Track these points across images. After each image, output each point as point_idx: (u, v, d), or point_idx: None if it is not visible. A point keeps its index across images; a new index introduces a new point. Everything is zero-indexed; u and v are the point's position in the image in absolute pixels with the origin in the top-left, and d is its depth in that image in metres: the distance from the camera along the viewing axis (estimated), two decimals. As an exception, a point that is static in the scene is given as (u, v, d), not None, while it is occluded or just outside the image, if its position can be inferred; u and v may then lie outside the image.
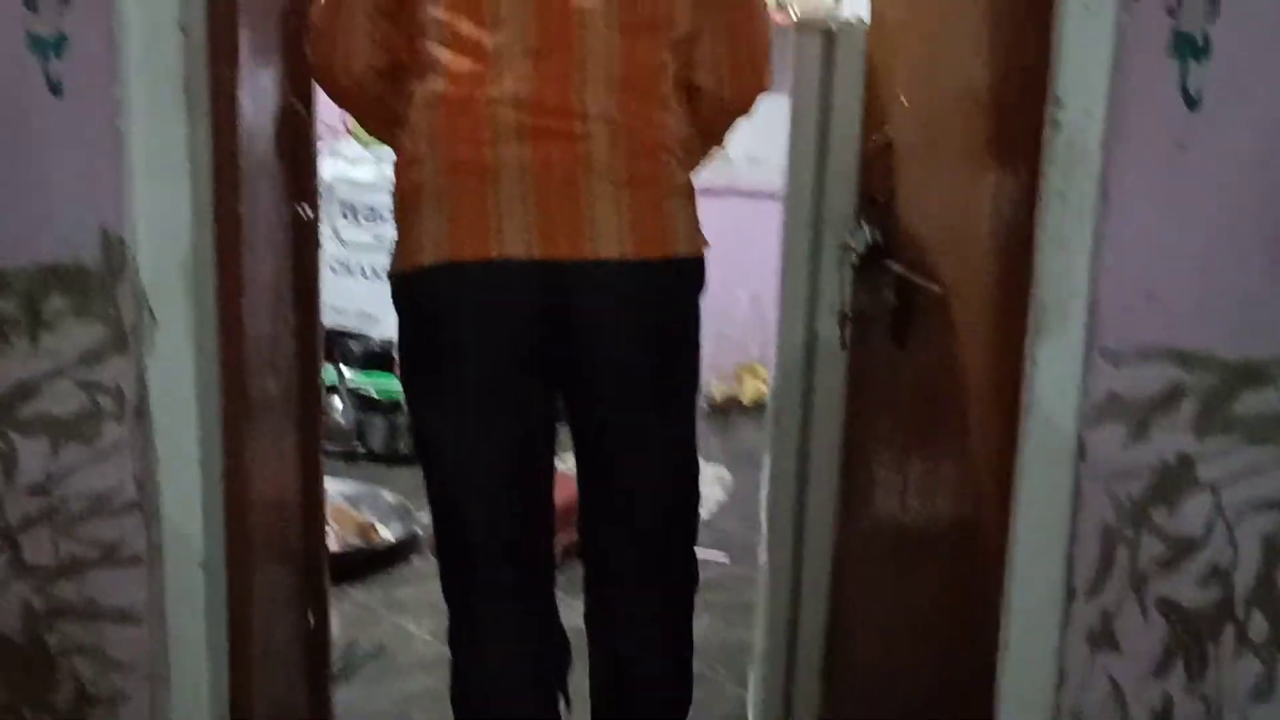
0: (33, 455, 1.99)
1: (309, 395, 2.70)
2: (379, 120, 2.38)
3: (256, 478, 2.23)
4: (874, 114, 2.37)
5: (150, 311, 1.95)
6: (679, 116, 2.29)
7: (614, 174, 2.20)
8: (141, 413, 1.97)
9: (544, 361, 2.26)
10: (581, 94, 2.20)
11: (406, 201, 2.24)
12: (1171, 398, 1.83)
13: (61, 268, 1.94)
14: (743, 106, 2.38)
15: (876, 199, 2.26)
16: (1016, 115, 1.87)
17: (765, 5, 2.38)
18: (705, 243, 2.32)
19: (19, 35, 1.86)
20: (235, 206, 2.06)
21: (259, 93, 2.26)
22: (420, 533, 3.75)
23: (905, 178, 2.23)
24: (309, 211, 2.60)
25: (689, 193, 2.30)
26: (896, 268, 2.18)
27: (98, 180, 1.92)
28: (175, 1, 1.90)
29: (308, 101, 2.56)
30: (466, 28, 2.19)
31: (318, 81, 2.43)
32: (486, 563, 2.33)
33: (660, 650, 2.44)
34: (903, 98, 2.23)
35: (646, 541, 2.39)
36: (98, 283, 1.94)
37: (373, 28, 2.26)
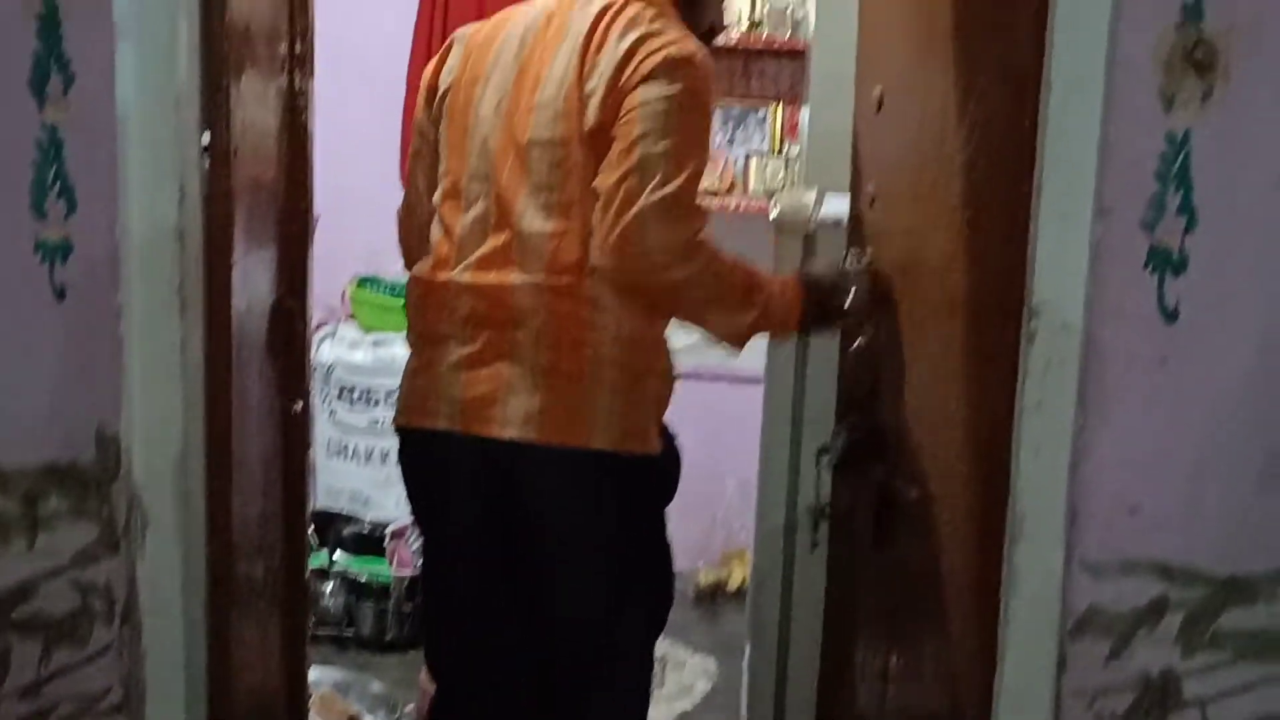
0: (26, 657, 1.96)
1: (295, 583, 2.72)
2: None
3: (241, 670, 2.24)
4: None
5: (143, 515, 1.98)
6: (614, 312, 2.27)
7: (535, 364, 2.28)
8: (130, 614, 1.99)
9: (490, 527, 2.40)
10: (514, 287, 2.30)
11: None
12: (1155, 612, 1.82)
13: (60, 469, 1.94)
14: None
15: (857, 399, 2.28)
16: (994, 323, 1.89)
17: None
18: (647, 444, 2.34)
19: (28, 241, 1.88)
20: (226, 405, 2.11)
21: (252, 291, 2.33)
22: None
23: (886, 380, 2.24)
24: (300, 405, 2.66)
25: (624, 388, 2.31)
26: (878, 470, 2.19)
27: (96, 382, 1.94)
28: (174, 210, 1.97)
29: (302, 295, 2.62)
30: (449, 210, 2.38)
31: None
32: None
33: None
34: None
35: None
36: (93, 482, 1.95)
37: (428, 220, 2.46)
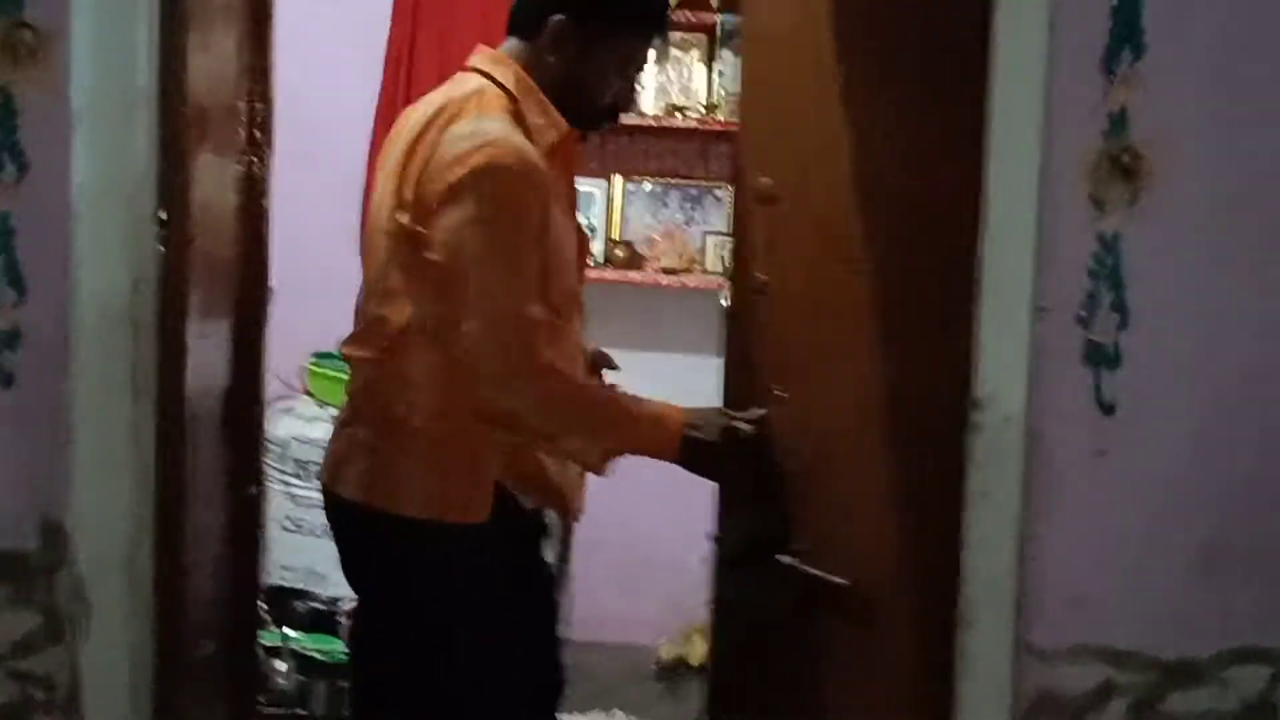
0: None
1: (246, 661, 2.73)
2: None
3: None
4: (739, 400, 2.34)
5: (88, 602, 1.95)
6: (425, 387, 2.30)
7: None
8: (72, 704, 1.96)
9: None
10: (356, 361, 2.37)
11: None
12: (1103, 696, 1.86)
13: (3, 557, 1.94)
14: None
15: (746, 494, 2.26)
16: (929, 418, 1.93)
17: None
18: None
19: None
20: (179, 491, 2.09)
21: (207, 371, 2.32)
22: None
23: (801, 472, 2.20)
24: (255, 488, 2.67)
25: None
26: (787, 561, 2.16)
27: (42, 470, 1.95)
28: (128, 295, 1.96)
29: (256, 377, 2.63)
30: None
31: None
32: None
33: None
34: (780, 390, 2.21)
35: None
36: (37, 571, 1.94)
37: None
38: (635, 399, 2.24)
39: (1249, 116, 1.80)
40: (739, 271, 2.40)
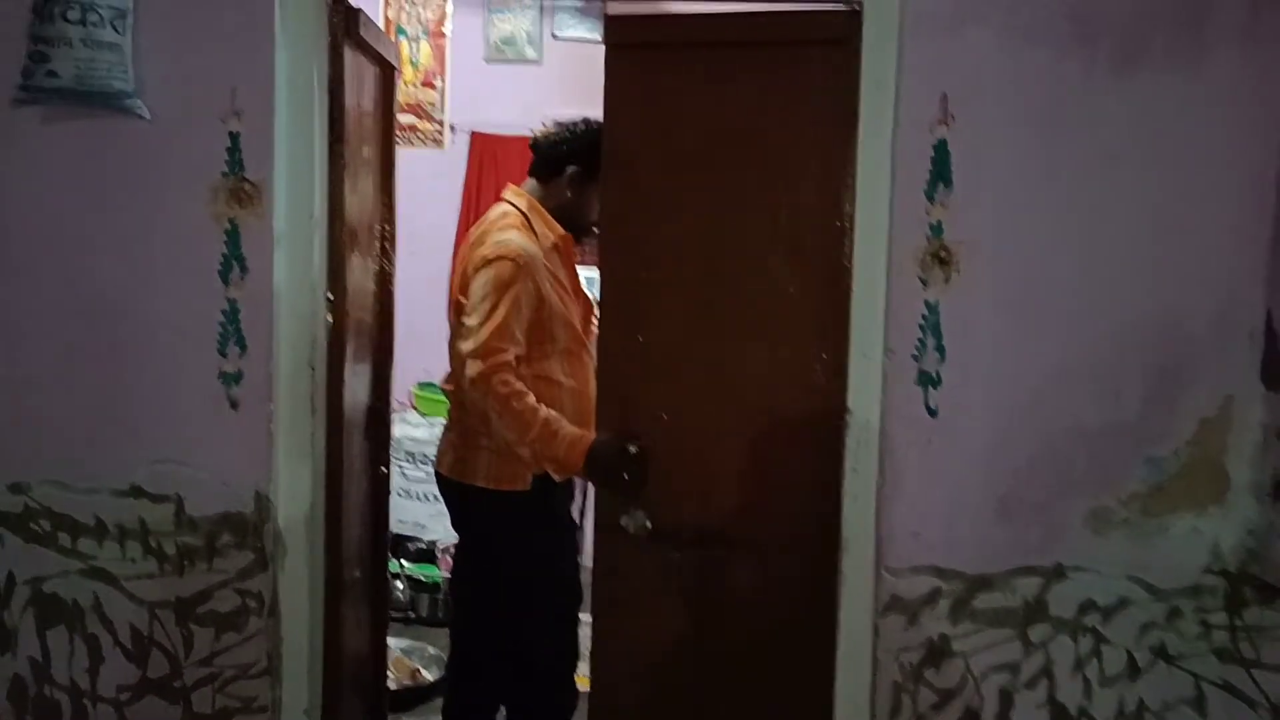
0: (204, 639, 2.07)
1: (379, 581, 2.76)
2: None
3: (346, 645, 2.28)
4: (611, 411, 2.20)
5: (283, 544, 2.06)
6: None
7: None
8: (274, 610, 2.06)
9: None
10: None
11: None
12: (933, 597, 1.97)
13: (231, 516, 2.05)
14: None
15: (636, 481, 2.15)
16: (823, 422, 2.01)
17: None
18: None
19: (213, 373, 2.03)
20: (338, 476, 2.18)
21: (357, 398, 2.42)
22: None
23: (681, 464, 2.13)
24: (386, 468, 2.73)
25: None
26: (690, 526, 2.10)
27: (256, 461, 2.05)
28: (309, 350, 2.07)
29: (386, 399, 2.69)
30: None
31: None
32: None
33: None
34: (664, 415, 2.13)
35: None
36: (252, 525, 2.05)
37: None
38: (564, 425, 2.32)
39: (1021, 227, 1.91)
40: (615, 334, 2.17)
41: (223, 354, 2.04)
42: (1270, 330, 1.90)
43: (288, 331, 2.05)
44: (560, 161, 2.57)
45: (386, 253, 2.69)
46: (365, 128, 2.39)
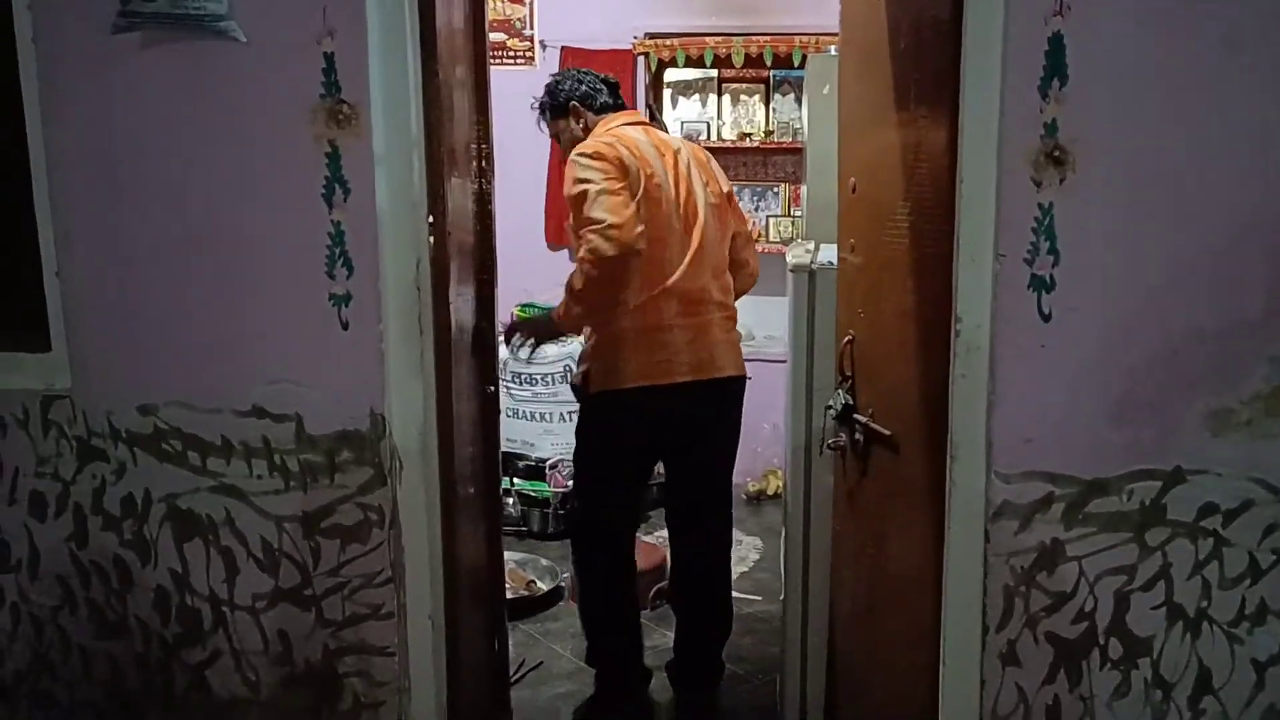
0: (330, 551, 2.03)
1: (493, 496, 2.72)
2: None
3: (463, 555, 2.25)
4: (843, 321, 2.36)
5: (399, 461, 1.99)
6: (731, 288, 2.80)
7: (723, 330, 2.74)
8: (394, 523, 2.01)
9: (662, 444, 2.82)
10: (707, 284, 2.69)
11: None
12: (1045, 503, 1.84)
13: (348, 433, 1.98)
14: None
15: (847, 374, 2.28)
16: (933, 326, 1.89)
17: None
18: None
19: (324, 295, 1.92)
20: (447, 392, 2.09)
21: (463, 318, 2.33)
22: (563, 585, 3.67)
23: (863, 363, 2.24)
24: (492, 388, 2.67)
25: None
26: (860, 419, 2.20)
27: (368, 380, 1.96)
28: (414, 271, 1.95)
29: (491, 319, 2.61)
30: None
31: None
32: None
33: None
34: (860, 311, 2.24)
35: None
36: (369, 442, 1.98)
37: None
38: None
39: (1140, 124, 1.73)
40: (840, 240, 2.35)
41: (331, 276, 1.94)
42: None
43: (392, 252, 1.94)
44: (563, 102, 2.82)
45: (485, 173, 2.57)
46: (457, 46, 2.25)
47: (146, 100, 1.92)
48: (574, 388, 2.88)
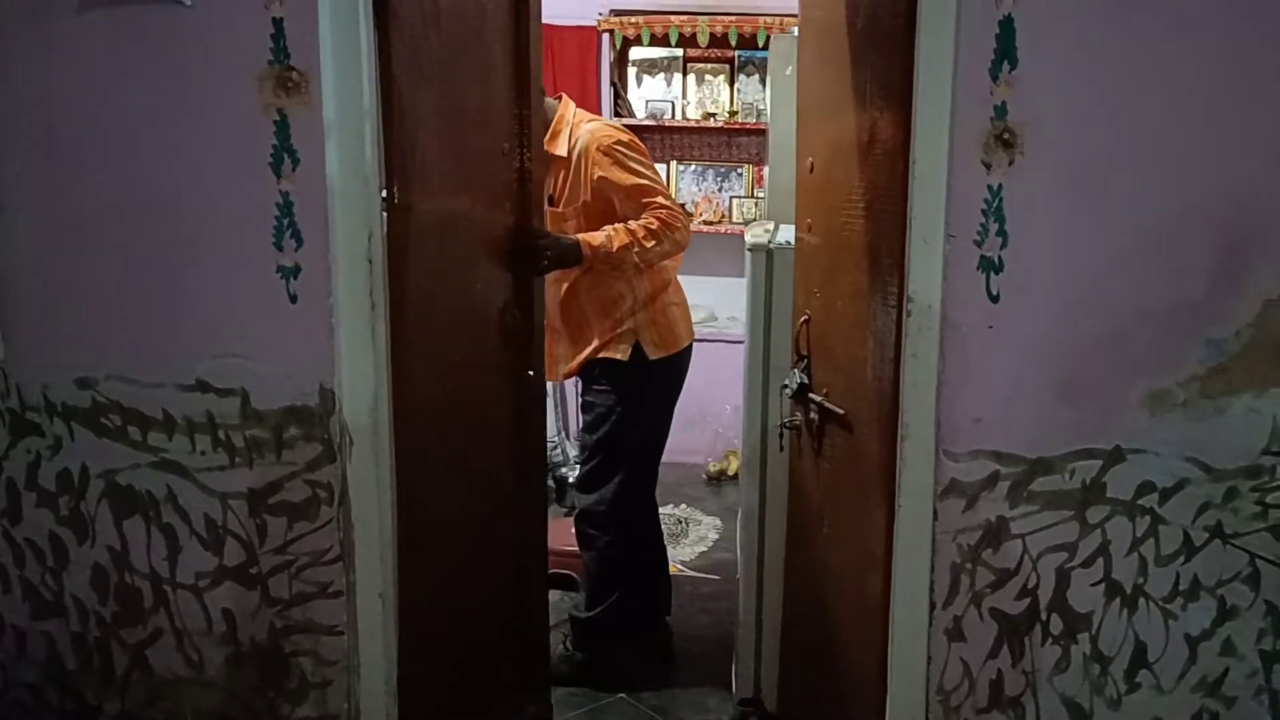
0: (277, 528, 2.02)
1: (532, 481, 2.68)
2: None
3: (443, 531, 2.22)
4: (799, 301, 2.41)
5: (350, 437, 1.98)
6: None
7: None
8: (344, 500, 2.00)
9: None
10: None
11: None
12: (991, 481, 1.89)
13: (296, 409, 1.97)
14: None
15: (802, 354, 2.33)
16: (883, 304, 1.94)
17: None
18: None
19: (271, 266, 1.93)
20: (410, 367, 2.05)
21: (463, 294, 2.31)
22: None
23: (818, 342, 2.29)
24: (533, 371, 2.62)
25: None
26: (815, 398, 2.25)
27: (318, 354, 1.95)
28: (365, 244, 1.93)
29: (526, 299, 2.57)
30: None
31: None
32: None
33: None
34: (816, 291, 2.28)
35: None
36: (318, 418, 1.97)
37: None
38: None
39: (1088, 108, 1.77)
40: (797, 220, 2.43)
41: (279, 248, 1.93)
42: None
43: (343, 224, 1.93)
44: None
45: (526, 148, 2.53)
46: (471, 13, 2.23)
47: (86, 63, 1.90)
48: (611, 364, 2.90)
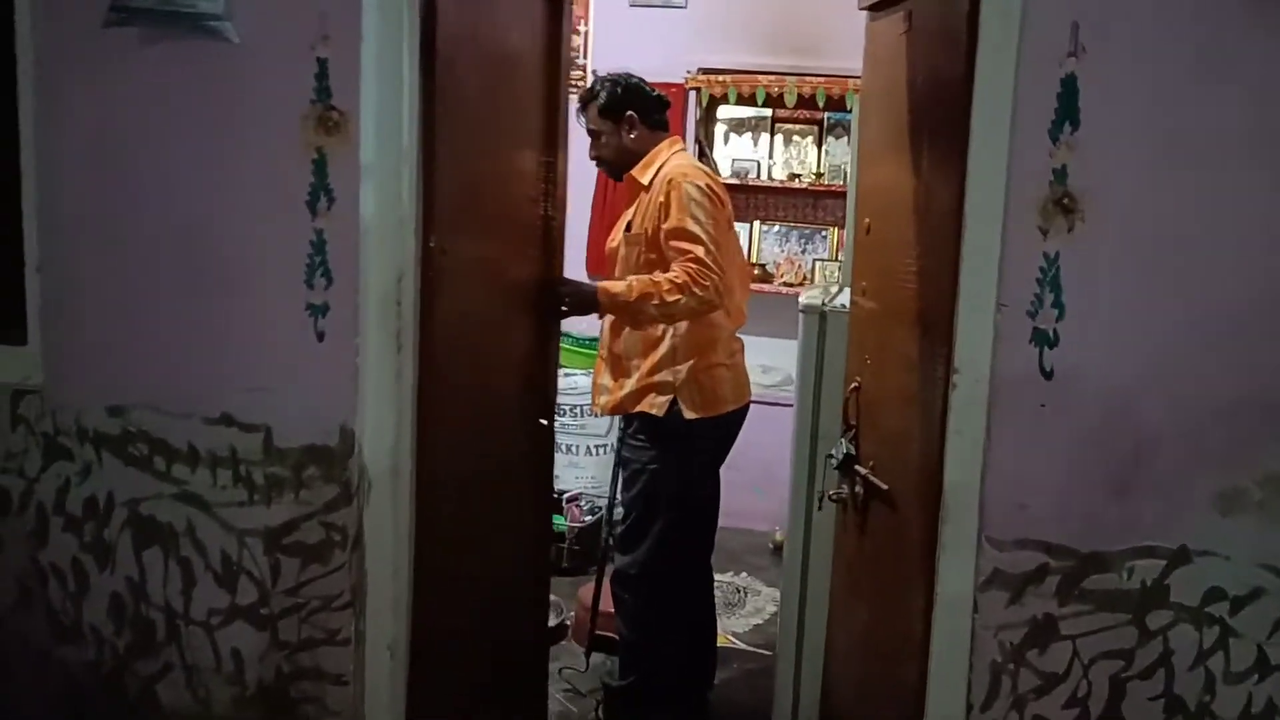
0: (290, 569, 2.00)
1: (539, 530, 2.68)
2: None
3: (456, 584, 2.18)
4: (851, 366, 2.35)
5: (368, 480, 1.97)
6: None
7: None
8: (358, 544, 1.98)
9: None
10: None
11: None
12: (1039, 574, 1.79)
13: (317, 448, 1.96)
14: None
15: (851, 423, 2.25)
16: (931, 379, 1.86)
17: None
18: None
19: (301, 304, 1.92)
20: (436, 412, 2.03)
21: (493, 342, 2.32)
22: (567, 623, 3.58)
23: (867, 411, 2.22)
24: (547, 420, 2.62)
25: None
26: (861, 470, 2.17)
27: (341, 394, 1.94)
28: (394, 286, 1.93)
29: (549, 349, 2.58)
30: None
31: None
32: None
33: None
34: (868, 357, 2.22)
35: None
36: (338, 458, 1.96)
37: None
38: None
39: (1155, 175, 1.69)
40: (851, 284, 2.42)
41: (310, 285, 1.94)
42: None
43: (374, 265, 1.93)
44: (621, 105, 2.82)
45: (551, 197, 2.55)
46: (508, 61, 2.25)
47: (138, 98, 1.95)
48: (647, 419, 2.85)
